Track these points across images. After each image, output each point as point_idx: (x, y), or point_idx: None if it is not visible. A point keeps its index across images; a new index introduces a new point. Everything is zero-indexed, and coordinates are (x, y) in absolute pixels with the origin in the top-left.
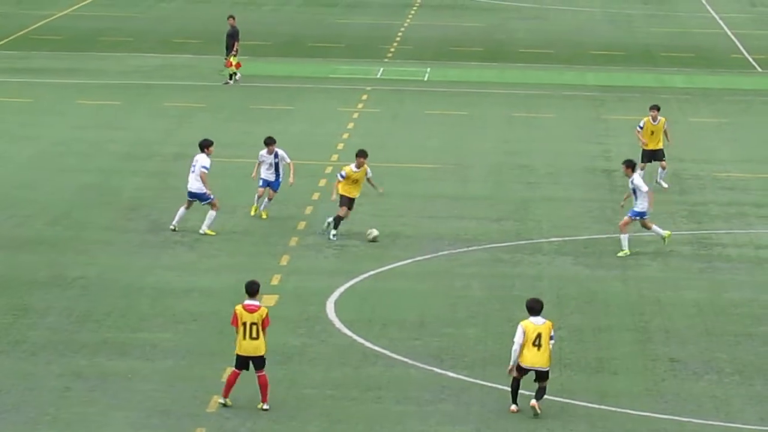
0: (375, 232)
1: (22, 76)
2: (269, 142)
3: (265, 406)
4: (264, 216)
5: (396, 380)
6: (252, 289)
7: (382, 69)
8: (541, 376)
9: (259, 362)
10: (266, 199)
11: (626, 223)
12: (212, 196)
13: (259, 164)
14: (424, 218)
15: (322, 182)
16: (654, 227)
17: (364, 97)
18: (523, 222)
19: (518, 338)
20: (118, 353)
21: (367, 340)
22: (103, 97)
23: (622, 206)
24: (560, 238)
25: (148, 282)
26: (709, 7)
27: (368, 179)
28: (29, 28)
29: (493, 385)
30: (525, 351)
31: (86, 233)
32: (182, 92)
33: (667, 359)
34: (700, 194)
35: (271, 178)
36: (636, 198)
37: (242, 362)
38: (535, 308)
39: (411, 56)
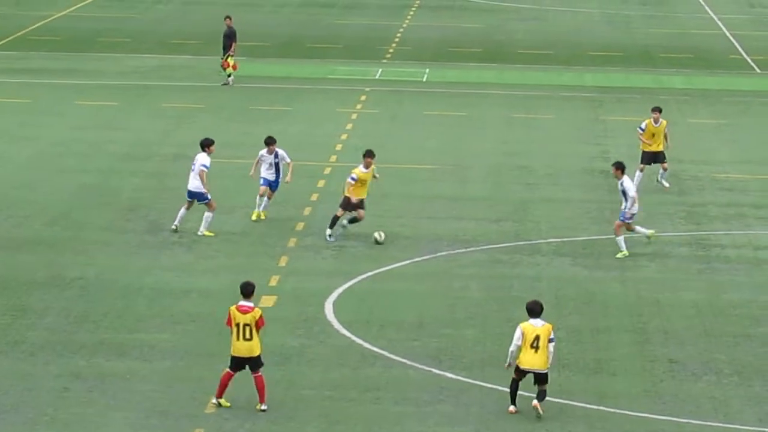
0: (381, 236)
1: (20, 76)
2: (270, 141)
3: (263, 407)
4: (263, 216)
5: (394, 381)
6: (247, 290)
7: (380, 70)
8: (540, 378)
9: (254, 363)
10: (266, 199)
11: (620, 226)
12: (209, 196)
13: (258, 162)
14: (423, 219)
15: (321, 183)
16: (637, 228)
17: (363, 97)
18: (521, 223)
19: (516, 340)
20: (117, 354)
21: (365, 340)
22: (102, 97)
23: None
24: (559, 239)
25: (146, 283)
26: (707, 8)
27: (374, 176)
28: (28, 29)
29: (492, 386)
30: (523, 353)
31: (85, 234)
32: (181, 93)
33: (666, 360)
34: (698, 195)
35: (272, 177)
36: (625, 200)
37: (237, 363)
38: (534, 310)
39: (410, 57)
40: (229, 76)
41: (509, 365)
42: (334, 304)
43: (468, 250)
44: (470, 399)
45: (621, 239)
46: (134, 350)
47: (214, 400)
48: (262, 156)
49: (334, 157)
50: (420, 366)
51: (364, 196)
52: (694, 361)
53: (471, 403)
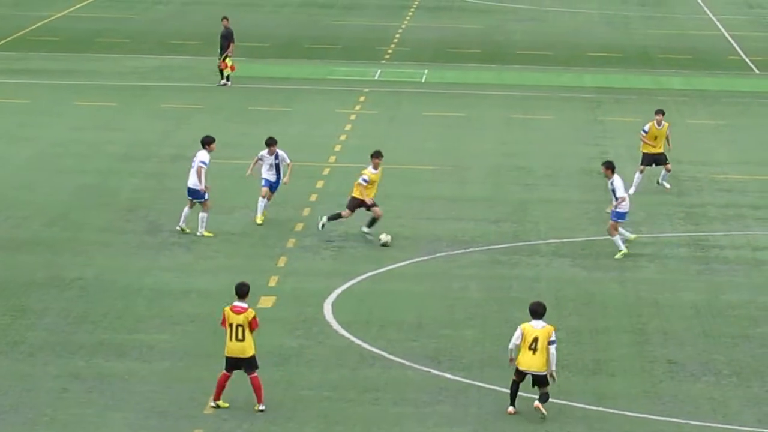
0: (388, 238)
1: (19, 77)
2: (270, 142)
3: (261, 407)
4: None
5: (393, 382)
6: (241, 291)
7: (379, 70)
8: (539, 380)
9: (248, 364)
10: (265, 200)
11: (613, 226)
12: (206, 196)
13: (256, 162)
14: (422, 220)
15: (320, 184)
16: (620, 230)
17: (362, 98)
18: (520, 224)
19: (515, 339)
20: (116, 354)
21: (364, 341)
22: (101, 98)
23: (608, 212)
24: (558, 240)
25: (145, 283)
26: (706, 9)
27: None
28: (27, 30)
29: (491, 386)
30: (521, 354)
31: (84, 234)
32: (180, 93)
33: (665, 361)
34: (697, 196)
35: (273, 178)
36: (615, 199)
37: (230, 364)
38: (537, 312)
39: (408, 58)
40: (227, 77)
41: (512, 360)
42: (333, 304)
43: (467, 250)
44: (469, 400)
45: (617, 239)
46: (133, 351)
47: (212, 403)
48: (262, 157)
49: (333, 158)
50: (419, 367)
51: (372, 196)
52: (693, 361)
53: (470, 404)
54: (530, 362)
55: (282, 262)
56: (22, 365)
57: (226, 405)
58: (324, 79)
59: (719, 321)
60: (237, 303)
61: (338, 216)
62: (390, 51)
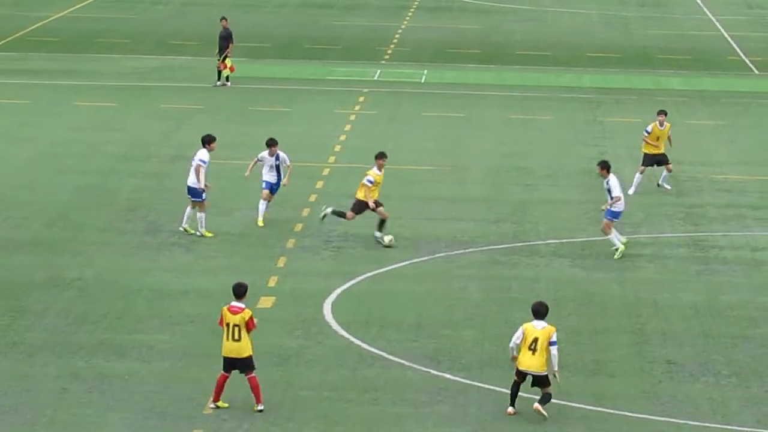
0: (391, 240)
1: (19, 77)
2: (271, 143)
3: (260, 407)
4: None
5: (393, 382)
6: (239, 291)
7: (379, 71)
8: (539, 381)
9: (245, 365)
10: (266, 202)
11: (608, 225)
12: (203, 196)
13: (256, 163)
14: (422, 220)
15: (320, 184)
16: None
17: (361, 99)
18: (520, 224)
19: (515, 338)
20: (115, 355)
21: (364, 341)
22: (101, 98)
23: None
24: (557, 240)
25: (145, 283)
26: (705, 9)
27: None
28: (26, 30)
29: (491, 387)
30: (521, 354)
31: (83, 235)
32: (179, 94)
33: (664, 361)
34: (697, 196)
35: (273, 180)
36: (610, 198)
37: (227, 364)
38: (539, 312)
39: (408, 58)
40: (227, 78)
41: (514, 358)
42: (333, 304)
43: (467, 251)
44: (468, 400)
45: (612, 236)
46: (133, 351)
47: (211, 404)
48: (262, 158)
49: (332, 159)
50: (418, 367)
51: (376, 197)
52: (693, 362)
53: (469, 404)
54: (530, 362)
55: (281, 262)
56: (21, 366)
57: (226, 405)
58: (324, 79)
59: (718, 321)
60: (234, 303)
61: (343, 215)
62: (390, 51)
